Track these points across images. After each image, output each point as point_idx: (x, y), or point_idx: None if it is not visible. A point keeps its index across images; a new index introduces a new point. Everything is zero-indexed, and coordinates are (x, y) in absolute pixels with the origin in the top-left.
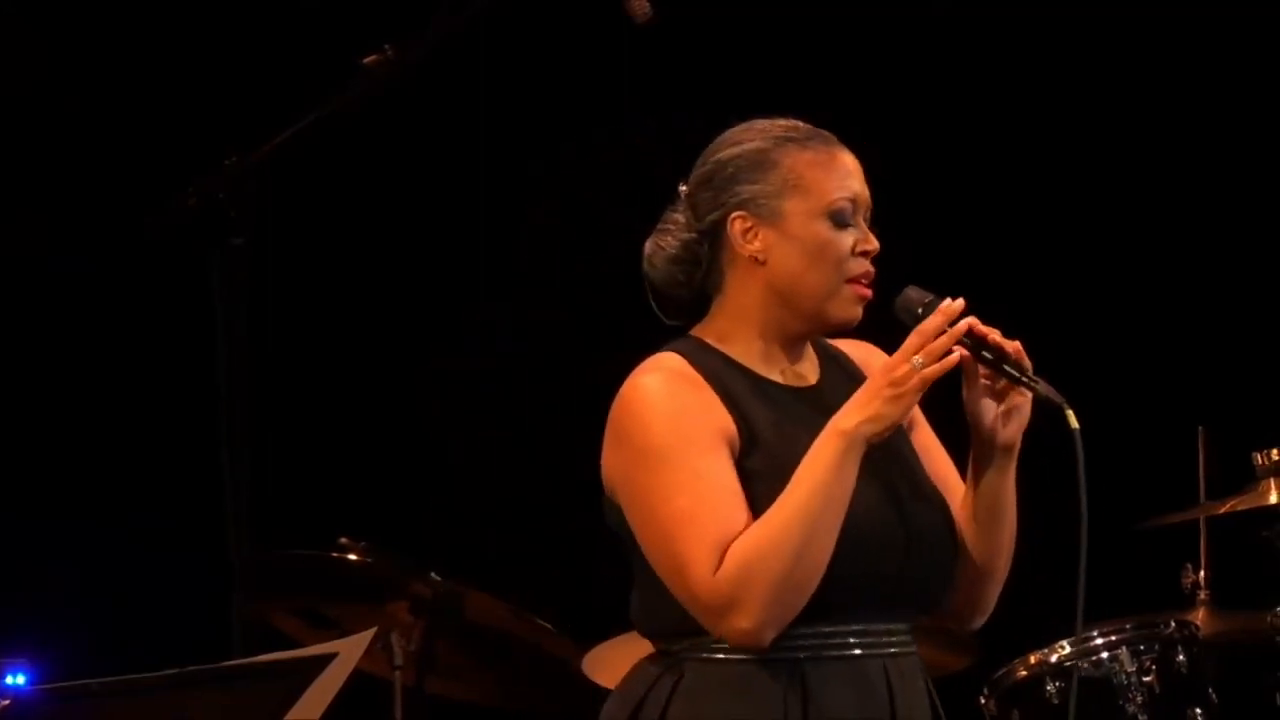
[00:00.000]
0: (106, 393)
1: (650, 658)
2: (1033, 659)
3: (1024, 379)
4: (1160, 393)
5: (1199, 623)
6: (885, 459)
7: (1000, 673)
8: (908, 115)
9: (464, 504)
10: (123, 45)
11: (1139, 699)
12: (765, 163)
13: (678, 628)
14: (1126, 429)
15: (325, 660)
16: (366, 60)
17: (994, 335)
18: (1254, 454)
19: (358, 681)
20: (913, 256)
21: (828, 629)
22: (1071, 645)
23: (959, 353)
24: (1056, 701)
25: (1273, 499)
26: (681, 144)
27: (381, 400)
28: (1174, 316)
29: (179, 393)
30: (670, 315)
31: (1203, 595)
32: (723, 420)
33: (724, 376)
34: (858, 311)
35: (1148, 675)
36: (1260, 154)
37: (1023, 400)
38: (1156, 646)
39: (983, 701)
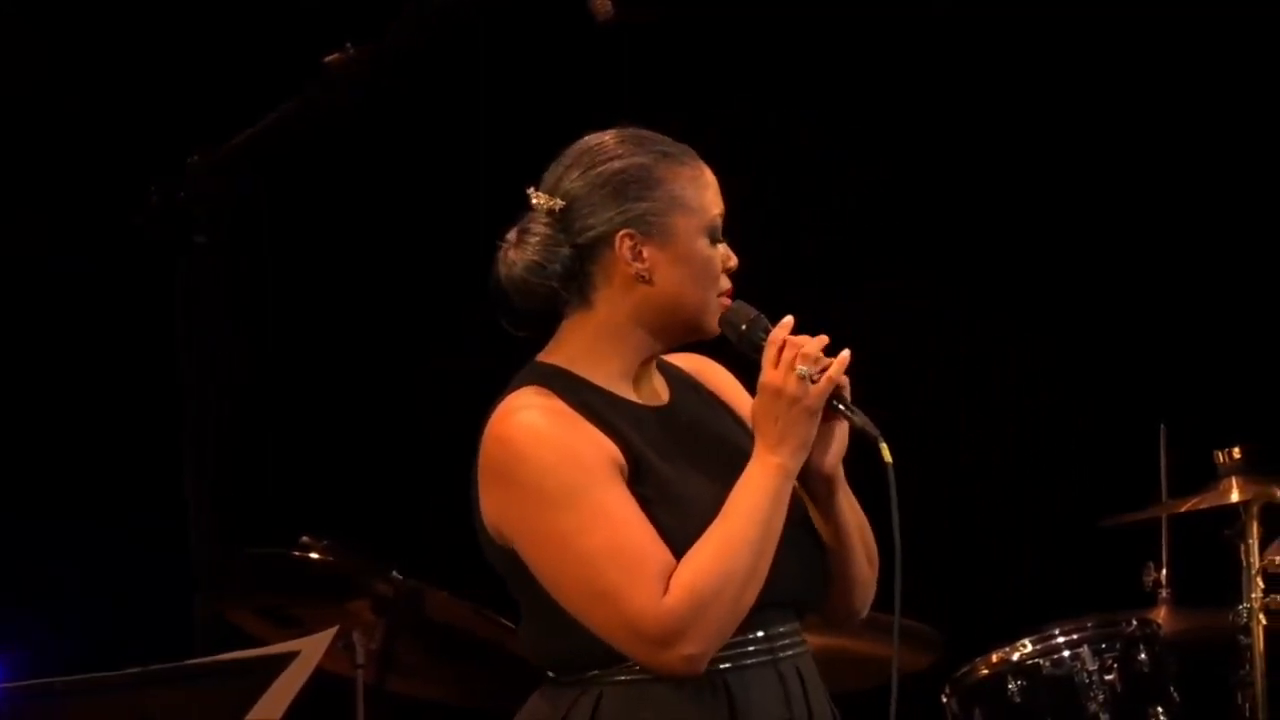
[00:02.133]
0: (72, 390)
1: (546, 688)
2: (995, 658)
3: (841, 407)
4: (1122, 391)
5: (1160, 621)
6: (737, 472)
7: (962, 671)
8: (891, 113)
9: (431, 502)
10: (115, 45)
11: (1101, 697)
12: (649, 179)
13: (584, 659)
14: (1088, 427)
15: (287, 659)
16: (328, 59)
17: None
18: (1215, 452)
19: (319, 680)
20: (884, 252)
21: (739, 638)
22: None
23: (846, 351)
24: (1018, 700)
25: (1234, 497)
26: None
27: (351, 397)
28: (1135, 314)
29: (146, 391)
30: (517, 327)
31: (1164, 594)
32: (610, 450)
33: (594, 405)
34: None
35: (1109, 674)
36: (1223, 155)
37: (838, 427)
38: (1118, 645)
39: (944, 700)
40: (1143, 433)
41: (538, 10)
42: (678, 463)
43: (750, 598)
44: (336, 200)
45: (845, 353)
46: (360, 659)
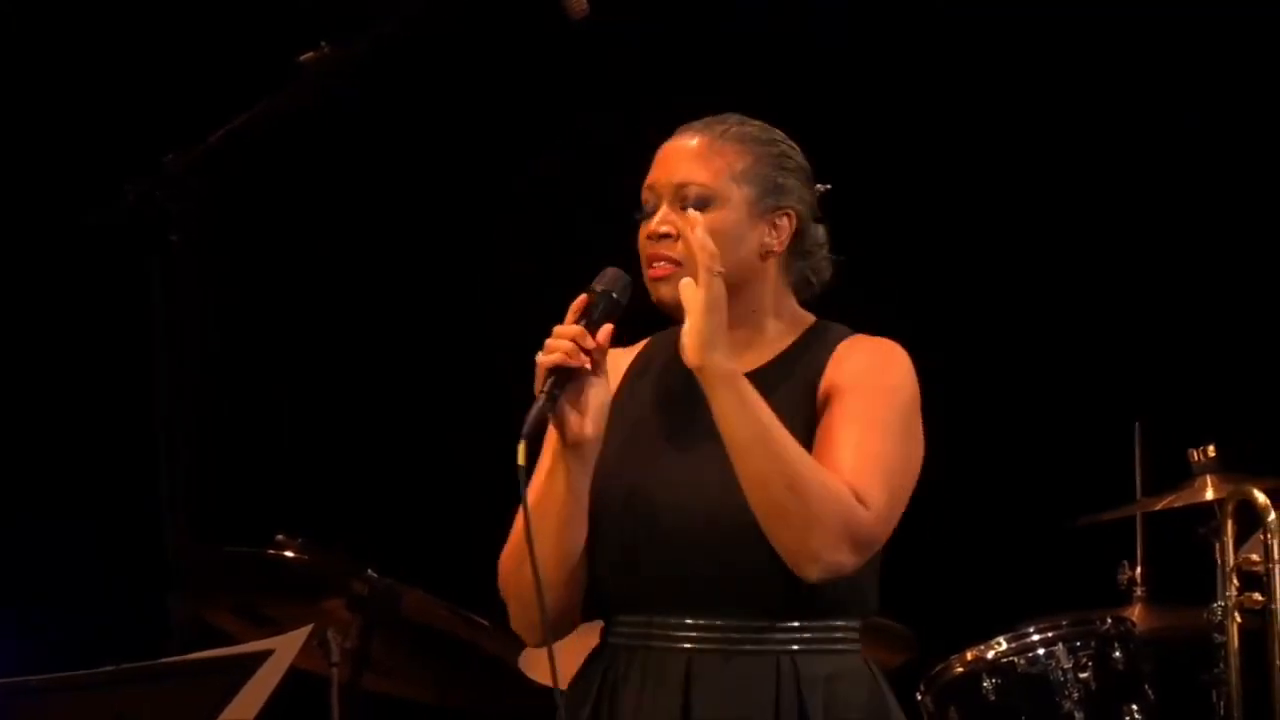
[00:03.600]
0: (46, 388)
1: None
2: (969, 655)
3: (547, 392)
4: (1096, 389)
5: (1135, 619)
6: (702, 452)
7: (936, 669)
8: (869, 112)
9: (407, 501)
10: (90, 44)
11: (1076, 695)
12: None
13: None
14: (1063, 425)
15: (261, 657)
16: (304, 58)
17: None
18: (1190, 450)
19: (294, 678)
20: (862, 251)
21: (641, 619)
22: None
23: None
24: (993, 698)
25: (1209, 495)
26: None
27: (326, 395)
28: (1110, 312)
29: (121, 389)
30: None
31: (1139, 592)
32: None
33: (651, 366)
34: (660, 292)
35: (1084, 672)
36: (1197, 156)
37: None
38: (1093, 643)
39: (919, 698)
40: (1117, 431)
41: (515, 8)
42: (669, 430)
43: (532, 575)
44: (310, 199)
45: (554, 340)
46: (335, 657)
